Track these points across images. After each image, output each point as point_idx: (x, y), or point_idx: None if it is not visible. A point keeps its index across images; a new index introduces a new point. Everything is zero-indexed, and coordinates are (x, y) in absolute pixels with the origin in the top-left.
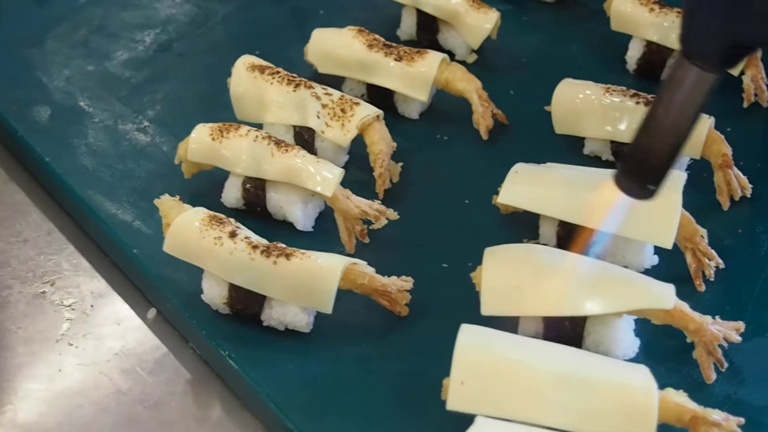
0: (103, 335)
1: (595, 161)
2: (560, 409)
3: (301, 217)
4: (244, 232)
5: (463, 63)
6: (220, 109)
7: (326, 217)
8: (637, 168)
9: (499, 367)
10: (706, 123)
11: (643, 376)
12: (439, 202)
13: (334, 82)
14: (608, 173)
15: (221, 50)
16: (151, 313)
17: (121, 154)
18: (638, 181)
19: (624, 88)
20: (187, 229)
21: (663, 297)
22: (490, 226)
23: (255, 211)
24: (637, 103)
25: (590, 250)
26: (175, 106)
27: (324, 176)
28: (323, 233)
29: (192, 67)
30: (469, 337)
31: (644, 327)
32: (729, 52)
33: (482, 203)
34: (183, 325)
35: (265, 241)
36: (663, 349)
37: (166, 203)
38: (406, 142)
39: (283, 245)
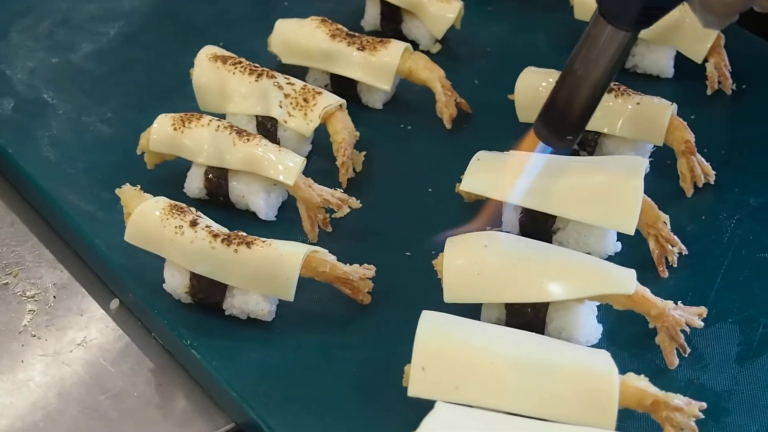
0: (65, 326)
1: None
2: (521, 394)
3: (264, 207)
4: (205, 221)
5: (427, 53)
6: (184, 101)
7: (289, 207)
8: (556, 119)
9: (460, 353)
10: (668, 110)
11: (603, 361)
12: (403, 190)
13: (298, 72)
14: (570, 161)
15: (185, 42)
16: (114, 303)
17: (84, 145)
18: (556, 132)
19: None
20: (147, 219)
21: (624, 282)
22: (453, 215)
23: (218, 201)
24: None
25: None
26: (139, 97)
27: (286, 165)
28: (286, 222)
29: (156, 59)
30: (429, 323)
31: (607, 313)
32: (641, 13)
33: (445, 192)
34: (145, 315)
35: (226, 230)
36: (626, 335)
37: (127, 193)
38: (369, 131)
39: (244, 234)
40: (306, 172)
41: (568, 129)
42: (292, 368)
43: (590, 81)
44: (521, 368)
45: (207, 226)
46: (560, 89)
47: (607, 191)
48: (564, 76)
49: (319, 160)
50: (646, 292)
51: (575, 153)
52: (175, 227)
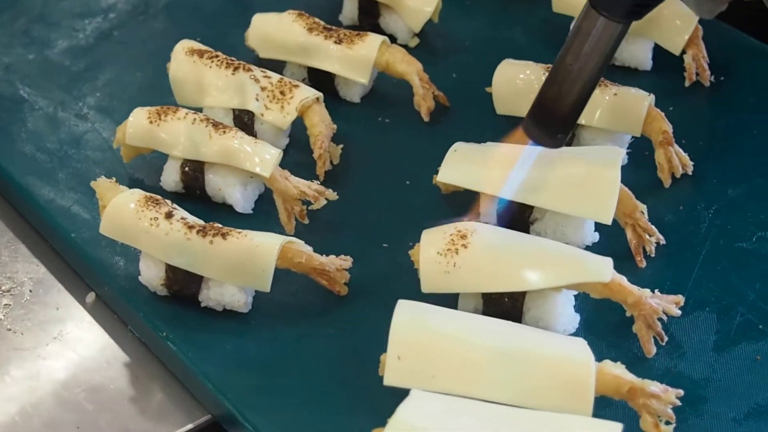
0: (41, 320)
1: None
2: (497, 383)
3: (241, 200)
4: (180, 212)
5: (405, 47)
6: (162, 96)
7: (266, 200)
8: (545, 116)
9: (436, 342)
10: (646, 101)
11: (580, 348)
12: (380, 183)
13: (276, 67)
14: (547, 151)
15: (162, 38)
16: (90, 297)
17: (61, 140)
18: (546, 129)
19: None
20: (122, 211)
21: (600, 270)
22: (430, 206)
23: (194, 194)
24: None
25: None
26: (116, 93)
27: (262, 157)
28: (263, 215)
29: (133, 55)
30: (405, 312)
31: (585, 302)
32: (635, 3)
33: (423, 184)
34: (121, 307)
35: (201, 222)
36: (603, 324)
37: (103, 185)
38: (347, 125)
39: (220, 225)
40: (283, 166)
41: (559, 126)
42: (268, 359)
43: (582, 75)
44: (497, 356)
45: (182, 218)
46: (550, 85)
47: (584, 181)
48: (554, 72)
49: (297, 153)
50: (623, 280)
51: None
52: (150, 219)
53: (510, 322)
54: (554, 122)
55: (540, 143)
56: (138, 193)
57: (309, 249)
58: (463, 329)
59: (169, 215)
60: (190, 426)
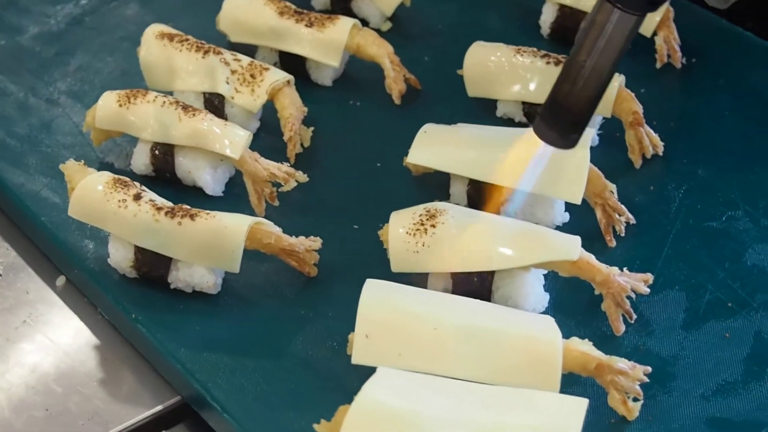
0: (11, 304)
1: (508, 123)
2: (465, 360)
3: (211, 182)
4: (149, 194)
5: (377, 31)
6: (133, 81)
7: (236, 183)
8: (558, 116)
9: (404, 321)
10: (616, 82)
11: (547, 325)
12: (351, 165)
13: (248, 51)
14: (517, 131)
15: (134, 23)
16: (60, 281)
17: (31, 125)
18: (559, 130)
19: (535, 49)
20: (91, 193)
21: (568, 249)
22: (401, 188)
23: (164, 177)
24: (548, 63)
25: (506, 208)
26: (88, 78)
27: (231, 139)
28: (233, 197)
29: (104, 41)
30: (373, 291)
31: (554, 281)
32: None
33: (394, 166)
34: (91, 290)
35: (170, 204)
36: (573, 303)
37: (71, 168)
38: (318, 108)
39: (188, 207)
40: (255, 149)
41: (572, 126)
42: (237, 340)
43: (597, 72)
44: (464, 334)
45: (150, 200)
46: (563, 84)
47: (553, 161)
48: (567, 69)
49: (268, 136)
50: (591, 258)
51: (525, 127)
52: (119, 201)
53: (478, 301)
54: (567, 122)
55: (552, 144)
56: (106, 176)
57: (278, 230)
58: (430, 308)
59: (137, 197)
60: (159, 407)
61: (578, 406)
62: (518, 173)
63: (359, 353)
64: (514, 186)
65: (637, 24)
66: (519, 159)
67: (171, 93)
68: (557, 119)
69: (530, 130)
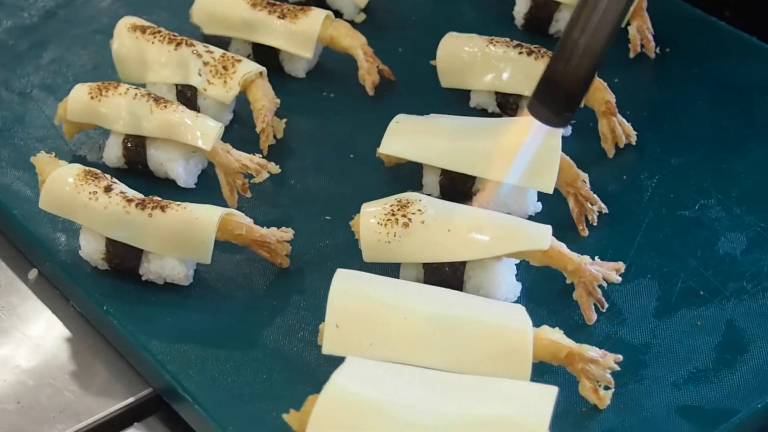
0: None
1: (481, 114)
2: (435, 350)
3: (183, 174)
4: (119, 186)
5: (351, 22)
6: (106, 74)
7: (209, 175)
8: (552, 94)
9: (374, 310)
10: None
11: (518, 314)
12: (324, 156)
13: (222, 44)
14: (489, 122)
15: (107, 16)
16: (32, 273)
17: (4, 118)
18: (553, 108)
19: (508, 39)
20: (61, 185)
21: (539, 238)
22: (374, 180)
23: (136, 170)
24: (521, 53)
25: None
26: (60, 71)
27: (203, 130)
28: (206, 189)
29: (77, 34)
30: (343, 281)
31: (527, 271)
32: None
33: (367, 157)
34: (63, 283)
35: (141, 195)
36: (545, 293)
37: (42, 160)
38: (292, 100)
39: (159, 198)
40: (228, 141)
41: (566, 104)
42: (208, 331)
43: (590, 49)
44: (435, 323)
45: (121, 192)
46: (557, 62)
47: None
48: (561, 48)
49: (241, 129)
50: (562, 247)
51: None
52: (89, 193)
53: (449, 290)
54: (561, 100)
55: (547, 123)
56: (77, 168)
57: (249, 221)
58: (401, 297)
59: (108, 189)
60: (131, 399)
61: (548, 394)
62: (507, 163)
63: (330, 343)
64: (497, 177)
65: (630, 0)
66: (508, 149)
67: (144, 85)
68: (551, 98)
69: (519, 119)
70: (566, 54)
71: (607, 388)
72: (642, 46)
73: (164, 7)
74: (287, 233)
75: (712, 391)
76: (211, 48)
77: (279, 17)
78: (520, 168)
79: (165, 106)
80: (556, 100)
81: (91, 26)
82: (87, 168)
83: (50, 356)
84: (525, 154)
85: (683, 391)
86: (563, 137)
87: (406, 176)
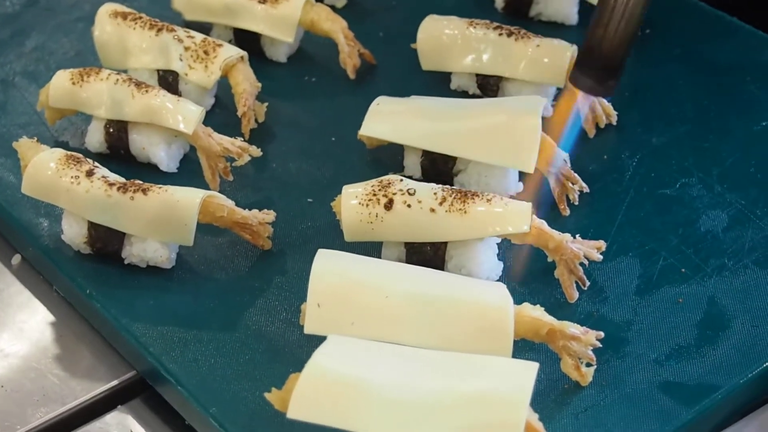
0: None
1: (462, 96)
2: (417, 328)
3: (165, 158)
4: (101, 171)
5: (332, 7)
6: (88, 61)
7: (191, 159)
8: (594, 62)
9: (355, 289)
10: (568, 51)
11: (498, 291)
12: (306, 140)
13: (203, 30)
14: (470, 102)
15: (88, 3)
16: (16, 259)
17: None
18: (595, 77)
19: (487, 21)
20: (43, 169)
21: (519, 221)
22: (356, 162)
23: (119, 155)
24: (500, 35)
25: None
26: (43, 59)
27: (184, 114)
28: (188, 173)
29: (59, 22)
30: (325, 260)
31: (508, 250)
32: None
33: (348, 140)
34: (46, 267)
35: (122, 179)
36: (527, 272)
37: (24, 145)
38: (273, 84)
39: (140, 182)
40: (209, 125)
41: (609, 71)
42: (191, 314)
43: (629, 10)
44: (416, 302)
45: (103, 176)
46: (596, 28)
47: (505, 130)
48: (599, 14)
49: (223, 113)
50: (544, 225)
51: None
52: (71, 177)
53: (430, 270)
54: (605, 68)
55: (590, 92)
56: (59, 152)
57: (231, 203)
58: (381, 276)
59: (89, 173)
60: (115, 382)
61: (529, 369)
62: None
63: (311, 323)
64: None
65: None
66: (488, 129)
67: (125, 71)
68: (593, 66)
69: (498, 99)
70: (604, 20)
71: (589, 365)
72: None
73: None
74: (269, 215)
75: (694, 367)
76: (192, 33)
77: (260, 2)
78: (570, 139)
79: (146, 91)
80: (598, 67)
81: (72, 14)
82: (69, 152)
83: (34, 340)
84: (573, 126)
85: (665, 368)
86: (544, 117)
87: (388, 158)
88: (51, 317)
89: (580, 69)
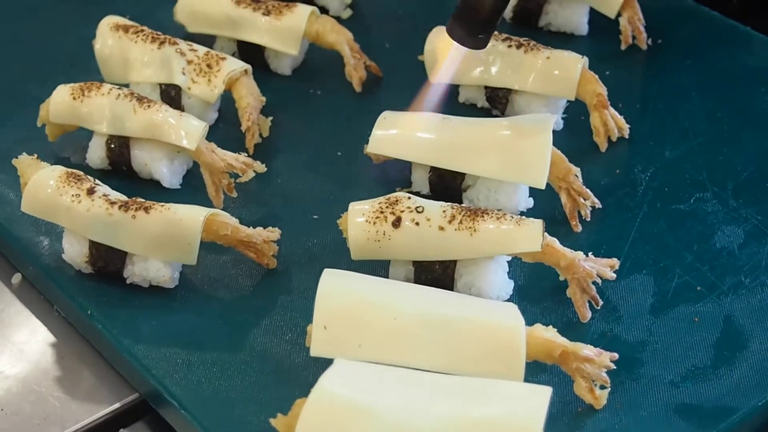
0: None
1: (470, 109)
2: (426, 350)
3: (167, 174)
4: (103, 188)
5: (337, 18)
6: (88, 73)
7: (194, 175)
8: (468, 17)
9: (362, 310)
10: (579, 63)
11: (510, 312)
12: (311, 155)
13: (206, 42)
14: (478, 120)
15: (88, 14)
16: (16, 278)
17: None
18: (469, 30)
19: (496, 32)
20: (43, 188)
21: (531, 239)
22: (362, 177)
23: (121, 171)
24: (509, 46)
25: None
26: (41, 70)
27: (187, 130)
28: (191, 190)
29: (59, 33)
30: (331, 280)
31: (519, 268)
32: None
33: (355, 155)
34: (46, 287)
35: (124, 197)
36: (538, 290)
37: (24, 162)
38: (278, 97)
39: (142, 200)
40: (214, 141)
41: (481, 25)
42: (194, 335)
43: None
44: (425, 323)
45: (104, 194)
46: None
47: (515, 145)
48: None
49: (227, 128)
50: (555, 243)
51: (488, 112)
52: (72, 195)
53: (439, 290)
54: (476, 21)
55: (463, 44)
56: (59, 170)
57: (235, 221)
58: (389, 297)
59: (90, 191)
60: (117, 405)
61: (541, 394)
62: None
63: (318, 345)
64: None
65: None
66: (498, 145)
67: (127, 85)
68: (467, 19)
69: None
70: None
71: (603, 387)
72: (633, 37)
73: (146, 6)
74: (274, 233)
75: (711, 389)
76: (195, 46)
77: (264, 14)
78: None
79: (148, 106)
80: (471, 21)
81: (72, 26)
82: (69, 170)
83: (34, 362)
84: (448, 67)
85: (681, 390)
86: (555, 131)
87: (395, 173)
88: (52, 338)
89: (455, 20)
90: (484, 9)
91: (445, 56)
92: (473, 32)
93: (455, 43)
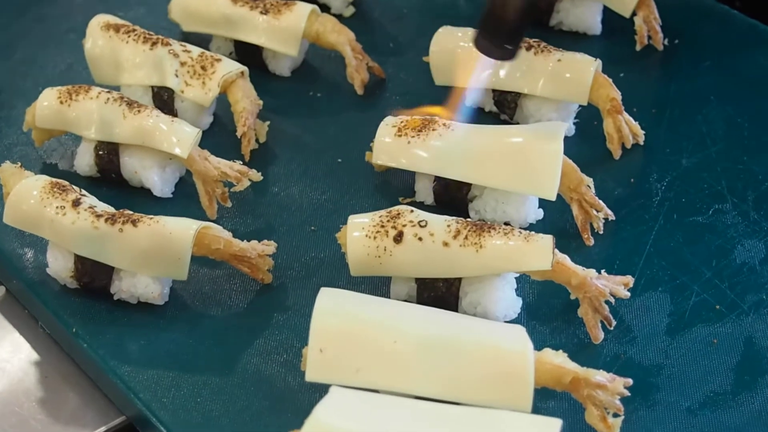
0: None
1: (477, 113)
2: (427, 375)
3: (158, 183)
4: (89, 200)
5: (339, 17)
6: (79, 76)
7: (187, 183)
8: (493, 26)
9: (360, 333)
10: (591, 66)
11: (517, 336)
12: (310, 161)
13: (202, 42)
14: (485, 127)
15: (80, 15)
16: None
17: None
18: (495, 41)
19: None
20: (26, 199)
21: (540, 256)
22: (363, 186)
23: (110, 178)
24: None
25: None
26: (31, 73)
27: (179, 136)
28: (183, 199)
29: (49, 33)
30: (328, 301)
31: (527, 285)
32: None
33: (356, 162)
34: (30, 302)
35: (112, 209)
36: (548, 309)
37: (6, 171)
38: (276, 101)
39: (130, 212)
40: (209, 146)
41: (507, 36)
42: (184, 355)
43: None
44: (427, 347)
45: (90, 206)
46: None
47: (524, 155)
48: None
49: (222, 132)
50: (566, 260)
51: (496, 117)
52: (56, 207)
53: (441, 310)
54: (502, 32)
55: (489, 56)
56: (43, 179)
57: (228, 234)
58: (389, 318)
59: (76, 203)
60: (102, 429)
61: (550, 427)
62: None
63: (313, 369)
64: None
65: None
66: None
67: (118, 88)
68: (493, 30)
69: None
70: None
71: (616, 415)
72: (649, 37)
73: (141, 3)
74: (269, 246)
75: (731, 417)
76: (189, 47)
77: (261, 12)
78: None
79: (139, 111)
80: (497, 32)
81: (64, 26)
82: (54, 180)
83: (16, 381)
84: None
85: (699, 418)
86: (565, 138)
87: (398, 182)
88: (35, 355)
89: (481, 32)
90: (509, 18)
91: (472, 67)
92: (500, 42)
93: (481, 56)
